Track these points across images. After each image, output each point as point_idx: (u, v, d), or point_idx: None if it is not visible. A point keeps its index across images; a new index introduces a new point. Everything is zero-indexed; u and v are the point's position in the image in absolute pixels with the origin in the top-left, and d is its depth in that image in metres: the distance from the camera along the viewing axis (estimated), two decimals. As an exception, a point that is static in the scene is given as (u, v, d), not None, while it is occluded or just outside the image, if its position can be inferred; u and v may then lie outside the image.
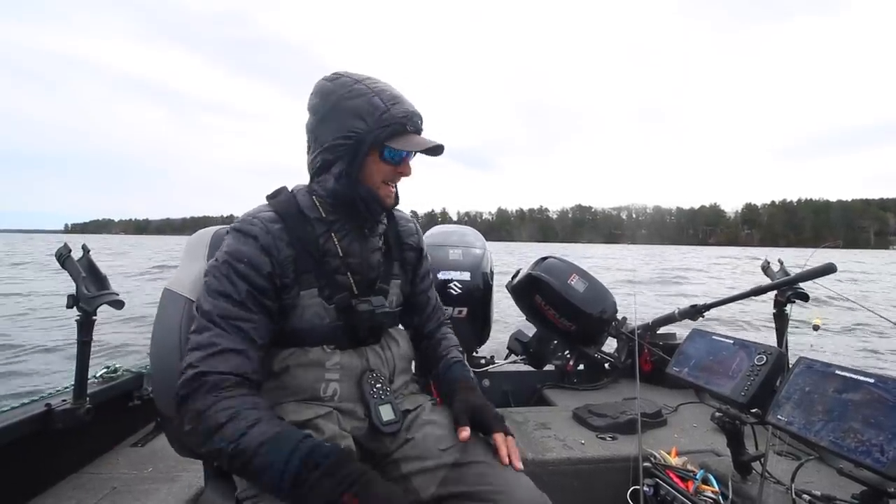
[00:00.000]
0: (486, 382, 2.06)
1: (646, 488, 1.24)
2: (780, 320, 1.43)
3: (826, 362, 0.91)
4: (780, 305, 1.43)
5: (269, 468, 0.66)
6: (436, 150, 0.88)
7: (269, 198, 0.93)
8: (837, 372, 0.87)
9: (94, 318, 1.31)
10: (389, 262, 0.99)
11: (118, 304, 1.32)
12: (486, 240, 1.96)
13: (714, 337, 1.23)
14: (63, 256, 1.28)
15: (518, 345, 2.17)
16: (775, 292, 1.45)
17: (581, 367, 2.12)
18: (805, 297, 1.39)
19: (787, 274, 1.46)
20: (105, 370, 1.59)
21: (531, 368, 2.12)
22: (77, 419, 1.26)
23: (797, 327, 1.51)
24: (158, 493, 1.21)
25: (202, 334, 0.77)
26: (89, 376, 1.54)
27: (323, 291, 0.87)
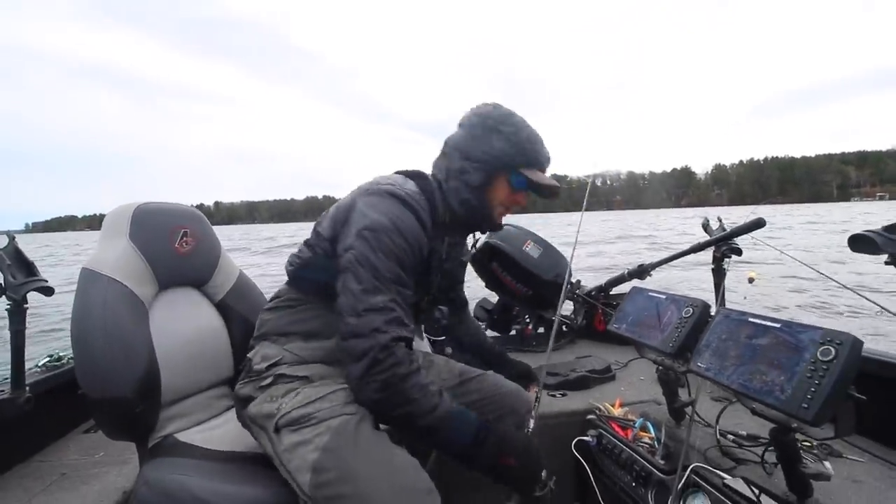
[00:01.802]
0: (449, 350, 2.10)
1: (589, 438, 1.31)
2: (718, 274, 1.49)
3: (742, 311, 0.95)
4: (717, 261, 1.48)
5: (458, 438, 0.82)
6: (552, 191, 1.00)
7: (410, 177, 0.97)
8: (750, 319, 0.92)
9: (26, 306, 1.26)
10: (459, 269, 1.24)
11: (48, 291, 1.27)
12: None
13: (650, 293, 1.27)
14: None
15: (483, 312, 2.23)
16: (713, 248, 1.50)
17: (541, 329, 2.18)
18: (738, 252, 1.45)
19: (724, 230, 1.51)
20: (48, 359, 1.55)
21: (495, 334, 2.18)
22: (17, 409, 1.23)
23: (738, 282, 1.58)
24: (108, 476, 1.21)
25: (377, 296, 0.80)
26: (35, 365, 1.50)
27: (417, 285, 0.92)
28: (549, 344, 1.06)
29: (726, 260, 1.50)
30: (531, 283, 1.96)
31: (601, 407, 1.38)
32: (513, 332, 2.20)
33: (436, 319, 1.06)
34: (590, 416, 1.37)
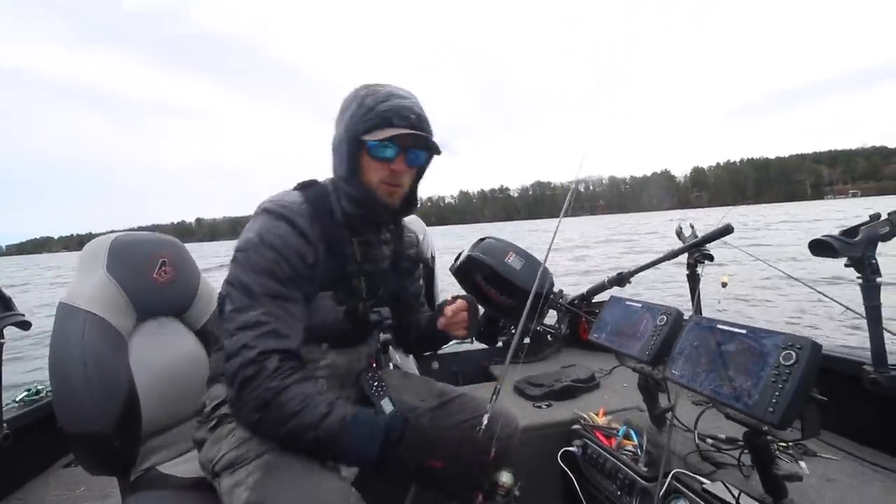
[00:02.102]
0: (436, 365, 2.11)
1: (574, 448, 1.33)
2: (693, 280, 1.54)
3: (711, 318, 0.99)
4: (690, 267, 1.53)
5: (357, 447, 0.75)
6: (413, 140, 0.87)
7: (300, 187, 0.93)
8: (719, 326, 0.95)
9: (3, 340, 1.24)
10: (396, 270, 1.07)
11: (24, 325, 1.26)
12: (451, 224, 1.99)
13: (627, 302, 1.30)
14: None
15: (468, 325, 2.24)
16: (686, 255, 1.55)
17: (526, 340, 2.20)
18: (710, 258, 1.50)
19: (696, 237, 1.56)
20: (26, 393, 1.52)
21: (479, 347, 2.19)
22: None
23: (711, 284, 1.62)
24: None
25: (248, 313, 0.77)
26: (11, 399, 1.47)
27: (337, 294, 0.91)
28: (508, 354, 0.98)
29: (699, 265, 1.55)
30: (515, 295, 1.98)
31: (585, 416, 1.40)
32: (500, 344, 2.22)
33: (374, 323, 0.98)
34: (575, 427, 1.39)
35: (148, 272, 1.08)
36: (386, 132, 0.85)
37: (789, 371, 0.78)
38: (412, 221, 2.05)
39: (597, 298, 2.13)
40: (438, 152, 0.94)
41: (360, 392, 1.01)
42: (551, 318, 2.22)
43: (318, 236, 0.87)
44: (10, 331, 1.27)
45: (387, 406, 0.98)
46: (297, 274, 0.83)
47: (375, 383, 1.01)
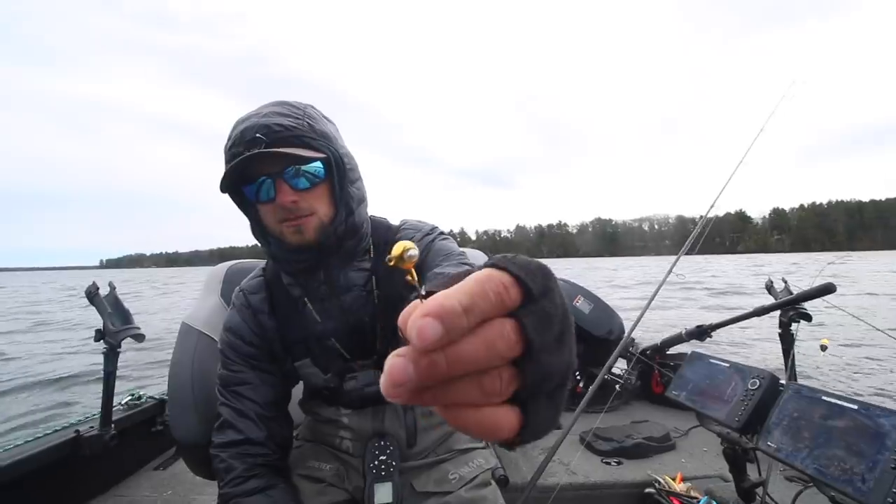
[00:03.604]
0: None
1: (649, 515, 1.24)
2: (786, 341, 1.41)
3: (813, 388, 0.91)
4: (784, 326, 1.41)
5: None
6: (281, 158, 0.67)
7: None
8: (823, 398, 0.87)
9: (119, 350, 1.43)
10: (387, 310, 0.79)
11: (139, 338, 1.43)
12: None
13: (711, 360, 1.23)
14: (92, 294, 1.41)
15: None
16: (779, 312, 1.43)
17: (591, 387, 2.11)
18: (808, 318, 1.37)
19: (790, 293, 1.44)
20: (130, 397, 1.71)
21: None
22: (103, 445, 1.37)
23: (807, 346, 1.48)
24: None
25: (219, 407, 0.80)
26: (119, 402, 1.67)
27: (317, 361, 0.81)
28: (582, 403, 0.87)
29: (794, 325, 1.43)
30: (581, 339, 1.93)
31: (661, 480, 1.31)
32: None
33: (357, 391, 0.81)
34: (648, 490, 1.30)
35: None
36: (227, 168, 0.68)
37: (914, 459, 0.70)
38: (475, 256, 2.08)
39: (672, 350, 2.01)
40: (335, 154, 0.72)
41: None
42: (620, 366, 2.12)
43: (266, 309, 0.82)
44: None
45: (382, 494, 0.78)
46: (243, 354, 0.81)
47: (383, 457, 0.81)
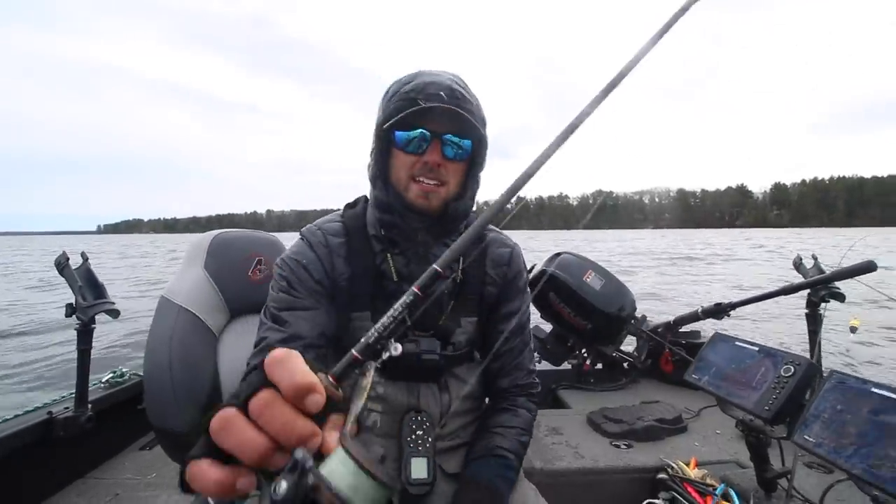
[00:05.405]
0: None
1: (661, 502, 1.18)
2: (814, 321, 1.32)
3: (862, 378, 0.82)
4: (812, 306, 1.32)
5: None
6: (455, 122, 0.72)
7: (347, 207, 0.89)
8: (874, 390, 0.79)
9: (93, 326, 1.31)
10: (464, 294, 0.84)
11: (114, 313, 1.32)
12: (506, 229, 1.90)
13: (738, 343, 1.14)
14: (61, 265, 1.29)
15: (535, 341, 2.13)
16: (808, 291, 1.34)
17: (599, 366, 2.05)
18: (841, 298, 1.28)
19: (821, 271, 1.34)
20: (112, 374, 1.62)
21: (545, 367, 2.07)
22: (78, 427, 1.28)
23: (831, 329, 1.39)
24: (158, 500, 1.23)
25: (259, 330, 0.77)
26: (98, 380, 1.57)
27: (375, 316, 0.79)
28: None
29: (823, 305, 1.33)
30: (591, 317, 1.85)
31: (674, 465, 1.25)
32: (568, 367, 2.08)
33: (415, 356, 0.77)
34: (661, 476, 1.24)
35: (244, 270, 1.11)
36: (405, 117, 0.72)
37: None
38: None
39: (685, 328, 1.93)
40: (483, 141, 0.77)
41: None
42: (629, 343, 2.05)
43: (342, 256, 0.81)
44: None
45: (417, 469, 0.76)
46: (305, 285, 0.78)
47: (420, 431, 0.79)
